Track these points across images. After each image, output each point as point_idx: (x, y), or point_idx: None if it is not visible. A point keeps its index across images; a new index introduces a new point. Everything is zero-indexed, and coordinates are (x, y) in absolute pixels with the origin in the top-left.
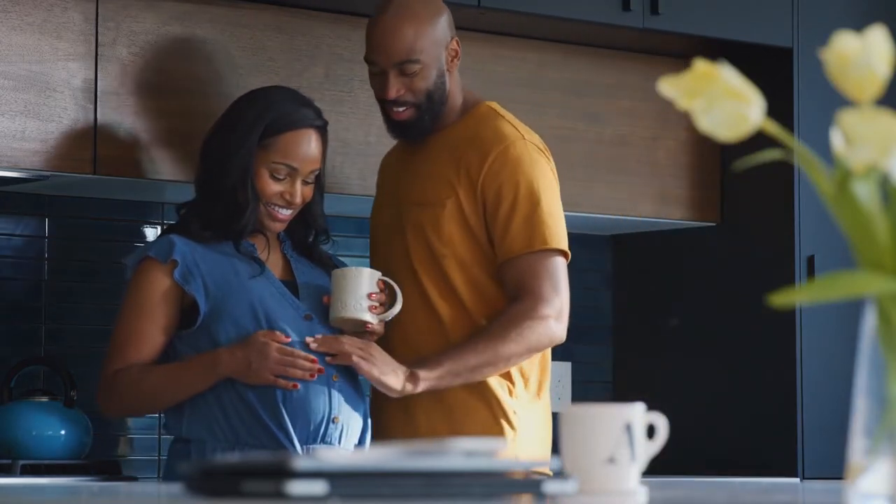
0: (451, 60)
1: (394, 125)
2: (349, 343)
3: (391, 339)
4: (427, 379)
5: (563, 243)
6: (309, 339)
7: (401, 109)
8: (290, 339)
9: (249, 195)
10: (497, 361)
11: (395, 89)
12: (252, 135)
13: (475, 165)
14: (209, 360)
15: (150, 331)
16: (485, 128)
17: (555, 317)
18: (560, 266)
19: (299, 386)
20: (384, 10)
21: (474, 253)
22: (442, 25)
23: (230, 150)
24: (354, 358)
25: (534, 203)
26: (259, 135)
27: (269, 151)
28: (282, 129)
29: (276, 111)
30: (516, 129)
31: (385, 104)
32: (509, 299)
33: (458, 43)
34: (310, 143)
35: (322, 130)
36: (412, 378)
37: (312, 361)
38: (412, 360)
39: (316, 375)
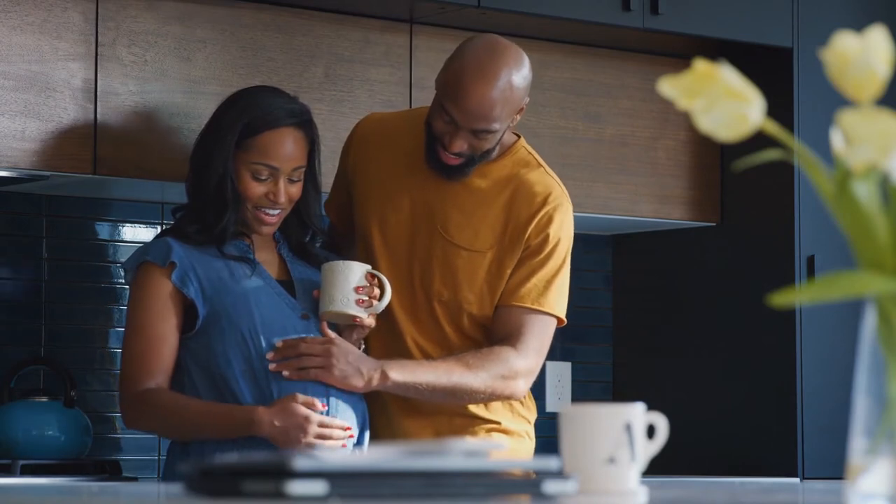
0: (517, 116)
1: (439, 164)
2: (306, 354)
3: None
4: (396, 382)
5: (563, 312)
6: (269, 356)
7: (455, 157)
8: (326, 408)
9: (229, 197)
10: (460, 393)
11: (458, 146)
12: (230, 137)
13: (524, 217)
14: (245, 419)
15: (167, 334)
16: (530, 178)
17: (524, 375)
18: (551, 331)
19: None
20: (479, 72)
21: (493, 303)
22: (526, 91)
23: (211, 153)
24: (312, 373)
25: (559, 268)
26: (236, 137)
27: (248, 152)
28: (259, 130)
29: (253, 112)
30: (557, 183)
31: (438, 144)
32: (494, 338)
33: (527, 101)
34: (289, 142)
35: (304, 127)
36: (382, 376)
37: (346, 429)
38: (392, 359)
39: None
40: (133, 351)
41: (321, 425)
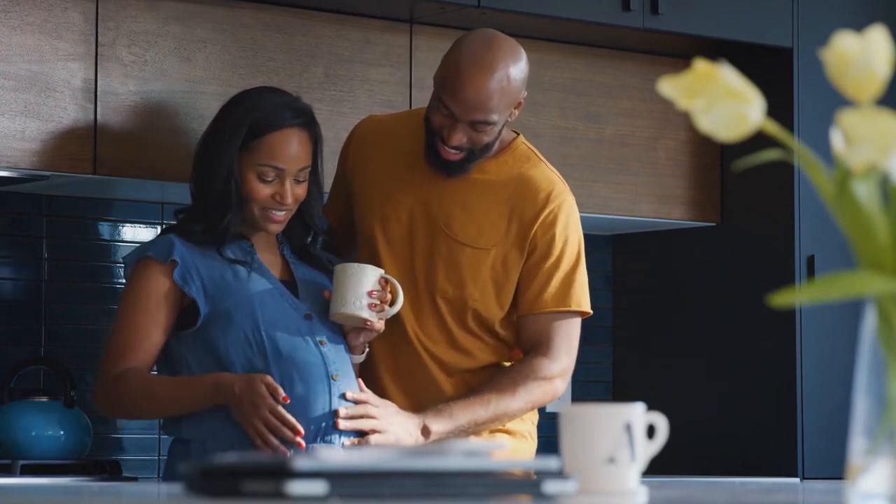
0: (515, 111)
1: (439, 160)
2: (373, 416)
3: (412, 364)
4: (438, 434)
5: (588, 305)
6: (341, 411)
7: (454, 151)
8: (288, 401)
9: (233, 199)
10: (503, 417)
11: (457, 139)
12: (235, 139)
13: (529, 215)
14: (212, 382)
15: (151, 330)
16: (532, 174)
17: (560, 376)
18: (578, 327)
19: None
20: (476, 64)
21: (498, 300)
22: (523, 84)
23: (216, 154)
24: (373, 439)
25: (575, 264)
26: (241, 139)
27: (254, 154)
28: (264, 132)
29: (257, 114)
30: (559, 178)
31: (437, 138)
32: (523, 349)
33: (524, 95)
34: (294, 142)
35: (308, 127)
36: (424, 431)
37: (297, 434)
38: (427, 409)
39: (290, 453)
40: (115, 342)
41: (273, 414)
